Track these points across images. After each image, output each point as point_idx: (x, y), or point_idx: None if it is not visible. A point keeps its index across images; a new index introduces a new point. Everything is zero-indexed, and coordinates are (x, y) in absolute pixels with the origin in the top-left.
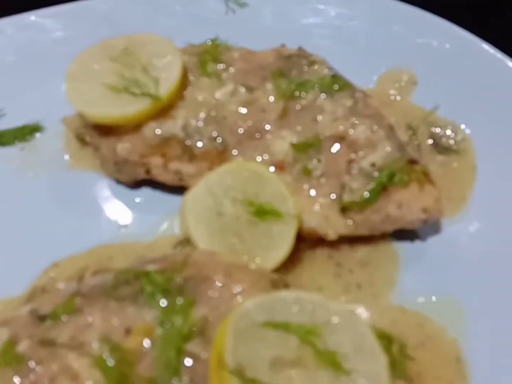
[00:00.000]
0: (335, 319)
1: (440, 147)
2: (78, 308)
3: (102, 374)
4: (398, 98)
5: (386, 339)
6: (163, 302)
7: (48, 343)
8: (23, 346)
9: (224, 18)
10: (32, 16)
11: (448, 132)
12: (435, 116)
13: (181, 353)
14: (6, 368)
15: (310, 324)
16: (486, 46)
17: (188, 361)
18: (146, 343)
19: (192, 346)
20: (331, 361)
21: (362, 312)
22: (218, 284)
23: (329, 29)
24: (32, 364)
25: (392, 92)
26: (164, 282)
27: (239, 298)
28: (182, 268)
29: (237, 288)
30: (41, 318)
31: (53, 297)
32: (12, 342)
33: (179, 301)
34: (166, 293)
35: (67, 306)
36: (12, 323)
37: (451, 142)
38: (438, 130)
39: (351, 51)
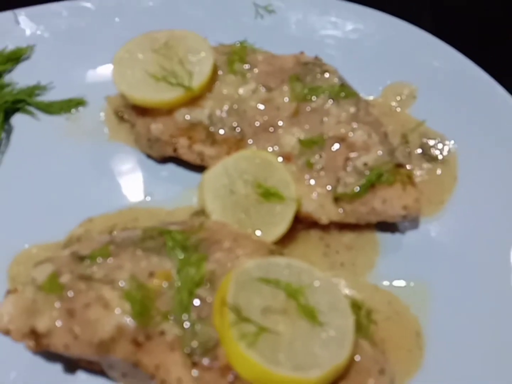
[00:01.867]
0: (317, 283)
1: (428, 156)
2: (112, 253)
3: (128, 304)
4: (398, 109)
5: (356, 305)
6: (181, 255)
7: (85, 278)
8: (64, 278)
9: (253, 22)
10: (88, 3)
11: (437, 144)
12: (427, 128)
13: (192, 296)
14: (49, 294)
15: (297, 284)
16: (481, 72)
17: (196, 302)
18: (165, 285)
19: (201, 291)
20: (310, 314)
21: (341, 284)
22: (226, 247)
23: (344, 41)
24: (71, 293)
25: (393, 103)
26: (183, 240)
27: (242, 259)
28: (198, 231)
29: (241, 252)
30: (81, 259)
31: (90, 243)
32: (55, 275)
33: (194, 256)
34: (183, 248)
35: (102, 251)
36: (56, 261)
37: (438, 153)
38: (428, 141)
39: (361, 63)
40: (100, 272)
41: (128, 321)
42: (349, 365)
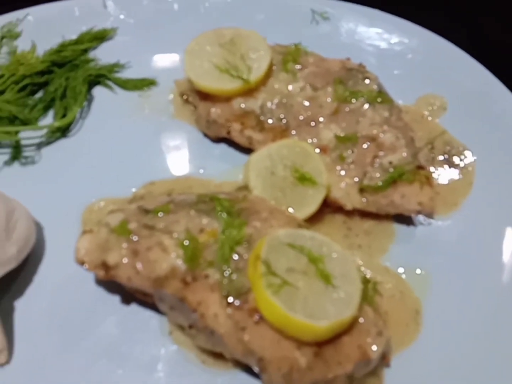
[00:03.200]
0: (334, 255)
1: (449, 162)
2: (171, 210)
3: (182, 251)
4: (429, 118)
5: (365, 278)
6: (226, 219)
7: (148, 227)
8: (132, 225)
9: (308, 27)
10: None
11: (459, 152)
12: (452, 138)
13: (232, 251)
14: (119, 237)
15: (317, 253)
16: (507, 92)
17: (235, 256)
18: (211, 240)
19: (240, 249)
20: (325, 277)
21: (356, 260)
22: (263, 217)
23: (388, 52)
24: (136, 237)
25: (425, 112)
26: (229, 206)
27: (275, 228)
28: (241, 202)
29: (275, 222)
30: (146, 212)
31: (153, 201)
32: (125, 222)
33: (236, 220)
34: (229, 213)
35: (164, 207)
36: (126, 211)
37: (459, 160)
38: (451, 149)
39: (401, 72)
40: (161, 224)
41: (180, 264)
42: (353, 324)
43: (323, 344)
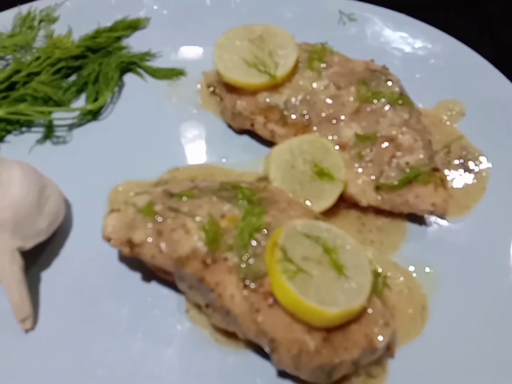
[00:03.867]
0: (348, 247)
1: (464, 167)
2: (195, 195)
3: (203, 234)
4: (448, 122)
5: (376, 272)
6: (247, 206)
7: (173, 210)
8: (157, 207)
9: (335, 27)
10: None
11: (475, 158)
12: (469, 143)
13: (251, 237)
14: (145, 217)
15: (332, 244)
16: None
17: (254, 243)
18: (232, 226)
19: (258, 235)
20: (338, 267)
21: (368, 253)
22: (282, 207)
23: (411, 56)
24: (161, 218)
25: (444, 116)
26: (250, 195)
27: (293, 218)
28: (261, 192)
29: (293, 213)
30: (171, 195)
31: (178, 185)
32: (151, 203)
33: (256, 209)
34: (249, 201)
35: (188, 192)
36: (152, 193)
37: (474, 165)
38: (468, 154)
39: (423, 77)
40: (185, 207)
41: (201, 246)
42: (361, 313)
43: (332, 330)
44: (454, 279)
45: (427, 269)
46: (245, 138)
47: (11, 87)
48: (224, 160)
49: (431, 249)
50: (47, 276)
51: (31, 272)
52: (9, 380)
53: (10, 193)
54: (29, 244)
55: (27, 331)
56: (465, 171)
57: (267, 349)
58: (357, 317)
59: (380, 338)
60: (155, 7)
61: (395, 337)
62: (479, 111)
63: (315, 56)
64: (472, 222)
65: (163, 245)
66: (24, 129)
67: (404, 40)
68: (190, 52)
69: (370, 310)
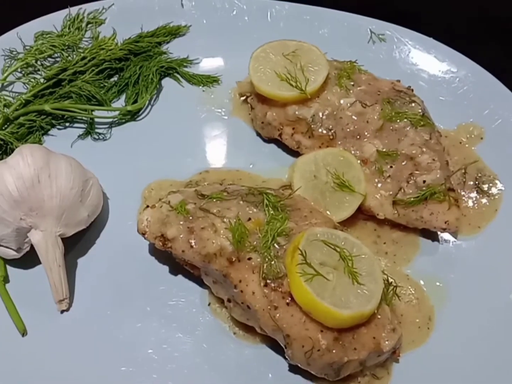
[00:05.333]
0: (363, 256)
1: (478, 188)
2: (224, 198)
3: (231, 234)
4: (466, 145)
5: (387, 282)
6: (271, 212)
7: (204, 210)
8: (189, 206)
9: (365, 46)
10: (241, 3)
11: (489, 180)
12: (485, 166)
13: (274, 240)
14: (178, 214)
15: (348, 252)
16: None
17: (276, 246)
18: (257, 229)
19: (280, 239)
20: (353, 274)
21: (381, 263)
22: (303, 214)
23: (436, 78)
24: (192, 217)
25: (463, 139)
26: (275, 201)
27: (313, 226)
28: (285, 199)
29: (314, 221)
30: (202, 196)
31: (209, 188)
32: (184, 202)
33: (280, 214)
34: (274, 207)
35: (218, 194)
36: (185, 193)
37: (488, 188)
38: (483, 176)
39: (446, 99)
40: (214, 208)
41: (228, 245)
42: (371, 318)
43: (342, 331)
44: (462, 294)
45: (437, 283)
46: (272, 146)
47: (58, 83)
48: (251, 166)
49: (442, 264)
50: (82, 263)
51: (69, 258)
52: (45, 355)
53: (57, 183)
54: (70, 232)
55: (62, 312)
56: (479, 192)
57: (282, 343)
58: (367, 321)
59: (387, 342)
60: (196, 16)
61: (401, 343)
62: (497, 136)
63: (344, 73)
64: (482, 241)
65: (193, 242)
66: (67, 124)
67: (431, 63)
68: (225, 61)
69: (379, 316)
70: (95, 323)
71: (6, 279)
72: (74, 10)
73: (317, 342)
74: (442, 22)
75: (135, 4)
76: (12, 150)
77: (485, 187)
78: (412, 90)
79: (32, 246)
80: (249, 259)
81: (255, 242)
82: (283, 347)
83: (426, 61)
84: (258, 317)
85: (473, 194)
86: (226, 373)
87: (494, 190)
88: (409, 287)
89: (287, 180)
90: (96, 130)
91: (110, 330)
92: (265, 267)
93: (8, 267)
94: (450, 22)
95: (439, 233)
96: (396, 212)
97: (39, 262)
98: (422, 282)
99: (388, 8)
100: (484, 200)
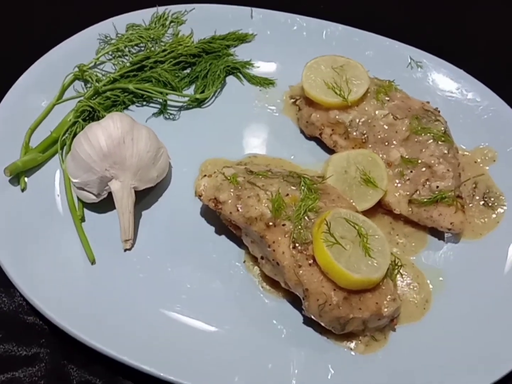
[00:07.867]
0: (377, 236)
1: (484, 202)
2: (268, 176)
3: (271, 204)
4: (481, 165)
5: (394, 261)
6: (306, 192)
7: (251, 183)
8: (240, 178)
9: (403, 69)
10: (304, 22)
11: (495, 196)
12: (494, 183)
13: (305, 213)
14: (229, 184)
15: (365, 231)
16: None
17: (306, 218)
18: (292, 203)
19: (310, 214)
20: (366, 249)
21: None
22: (332, 198)
23: (461, 104)
24: (241, 187)
25: (478, 159)
26: (309, 184)
27: (339, 207)
28: (319, 184)
29: (340, 204)
30: (250, 172)
31: (257, 166)
32: (235, 175)
33: (312, 195)
34: (308, 189)
35: (264, 173)
36: (236, 168)
37: (493, 202)
38: (490, 192)
39: (467, 122)
40: (260, 183)
41: (267, 212)
42: (376, 287)
43: (351, 292)
44: (459, 286)
45: (438, 276)
46: (312, 143)
47: (141, 68)
48: (292, 157)
49: (444, 260)
50: (146, 214)
51: (137, 208)
52: (108, 281)
53: (138, 146)
54: (142, 186)
55: (125, 250)
56: (485, 205)
57: (301, 295)
58: (373, 288)
59: (387, 308)
60: (262, 27)
61: (399, 314)
62: (509, 160)
63: (382, 90)
64: (482, 245)
65: (239, 206)
66: (144, 103)
67: (458, 91)
68: (282, 68)
69: (383, 287)
70: (150, 264)
71: (83, 219)
72: (161, 9)
73: (330, 298)
74: (475, 55)
75: (212, 11)
76: (98, 118)
77: (491, 201)
78: (439, 112)
79: (109, 194)
80: (283, 225)
81: (290, 213)
82: (301, 299)
83: (455, 88)
84: (285, 272)
85: (480, 207)
86: (251, 317)
87: (498, 205)
88: (413, 272)
89: (321, 172)
90: (168, 111)
91: (161, 271)
92: (295, 233)
93: (85, 210)
94: (484, 59)
95: (445, 232)
96: (410, 209)
97: (110, 209)
98: (426, 270)
99: (429, 39)
100: (488, 212)
